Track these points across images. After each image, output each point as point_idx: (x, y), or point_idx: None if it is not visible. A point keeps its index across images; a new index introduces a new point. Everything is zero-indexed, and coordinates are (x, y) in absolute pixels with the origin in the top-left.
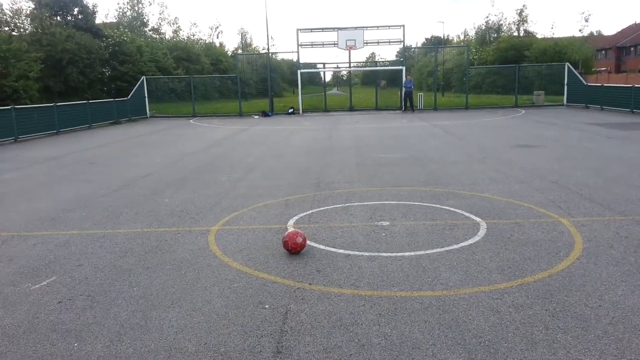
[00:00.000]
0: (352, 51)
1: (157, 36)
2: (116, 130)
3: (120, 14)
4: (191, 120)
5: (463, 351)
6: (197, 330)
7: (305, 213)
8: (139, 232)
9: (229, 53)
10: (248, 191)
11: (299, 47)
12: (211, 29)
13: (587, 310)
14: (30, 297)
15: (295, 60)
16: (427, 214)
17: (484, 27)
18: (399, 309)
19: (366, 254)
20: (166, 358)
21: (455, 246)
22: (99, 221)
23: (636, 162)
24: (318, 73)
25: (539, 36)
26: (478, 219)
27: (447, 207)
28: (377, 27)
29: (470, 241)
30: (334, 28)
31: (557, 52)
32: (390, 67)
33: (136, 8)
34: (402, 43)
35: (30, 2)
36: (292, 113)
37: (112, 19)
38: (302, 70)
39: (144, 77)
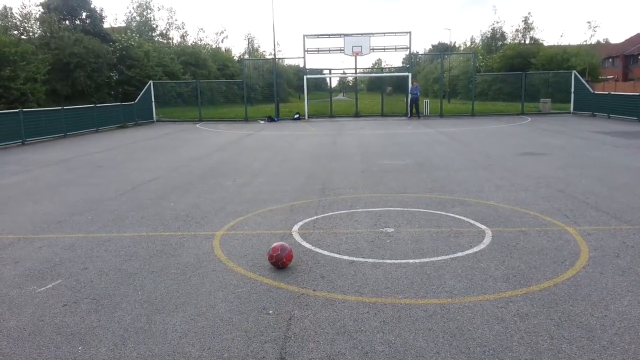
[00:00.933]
0: (358, 57)
1: (165, 41)
2: (123, 134)
3: (129, 18)
4: (197, 125)
5: None
6: (201, 335)
7: (310, 219)
8: (144, 236)
9: (236, 58)
10: (253, 196)
11: (305, 52)
12: (216, 34)
13: (593, 320)
14: (35, 300)
15: (301, 65)
16: (432, 221)
17: (489, 35)
18: (403, 317)
19: (370, 260)
20: None
21: (460, 254)
22: (104, 225)
23: None
24: (324, 79)
25: (545, 44)
26: (483, 227)
27: (452, 215)
28: (384, 33)
29: (476, 249)
30: (340, 34)
31: (564, 59)
32: (396, 74)
33: (145, 13)
34: (408, 50)
35: (40, 7)
36: (298, 118)
37: (120, 23)
38: (308, 76)
39: (151, 82)
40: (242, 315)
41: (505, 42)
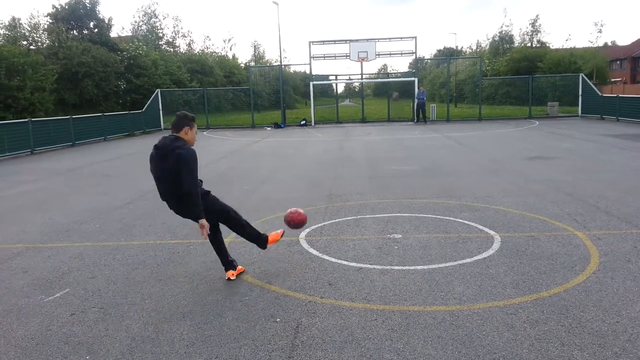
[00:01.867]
0: (364, 63)
1: (172, 49)
2: (131, 142)
3: (136, 27)
4: (204, 132)
5: None
6: (209, 343)
7: (317, 225)
8: (151, 244)
9: (242, 65)
10: (260, 203)
11: (311, 59)
12: (224, 41)
13: (604, 326)
14: (43, 309)
15: (307, 72)
16: (440, 227)
17: (497, 38)
18: (412, 324)
19: (378, 267)
20: None
21: (469, 260)
22: (112, 233)
23: None
24: (330, 85)
25: (552, 47)
26: (492, 232)
27: (460, 220)
28: (389, 39)
29: (484, 255)
30: (345, 40)
31: (572, 62)
32: (402, 79)
33: (151, 22)
34: (414, 54)
35: (48, 17)
36: (305, 125)
37: (127, 32)
38: (315, 82)
39: (158, 90)
40: (249, 324)
41: (512, 45)
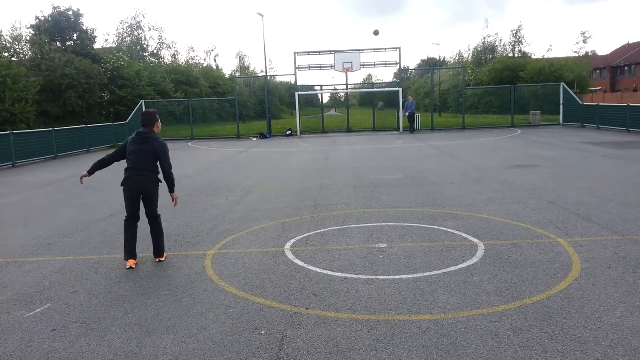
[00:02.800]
0: (349, 73)
1: (157, 60)
2: None
3: (120, 39)
4: (189, 143)
5: None
6: (192, 357)
7: (302, 236)
8: None
9: (227, 76)
10: (245, 214)
11: (297, 69)
12: (206, 53)
13: (587, 332)
14: (23, 325)
15: (293, 82)
16: (424, 236)
17: (480, 48)
18: (397, 334)
19: (363, 277)
20: None
21: (453, 268)
22: (95, 246)
23: (633, 181)
24: (316, 95)
25: (534, 57)
26: (476, 240)
27: (444, 229)
28: (374, 49)
29: (469, 263)
30: (330, 51)
31: (553, 72)
32: (387, 89)
33: (135, 34)
34: (398, 65)
35: (31, 29)
36: (290, 135)
37: (112, 44)
38: (300, 93)
39: (142, 101)
40: (234, 337)
41: (495, 55)
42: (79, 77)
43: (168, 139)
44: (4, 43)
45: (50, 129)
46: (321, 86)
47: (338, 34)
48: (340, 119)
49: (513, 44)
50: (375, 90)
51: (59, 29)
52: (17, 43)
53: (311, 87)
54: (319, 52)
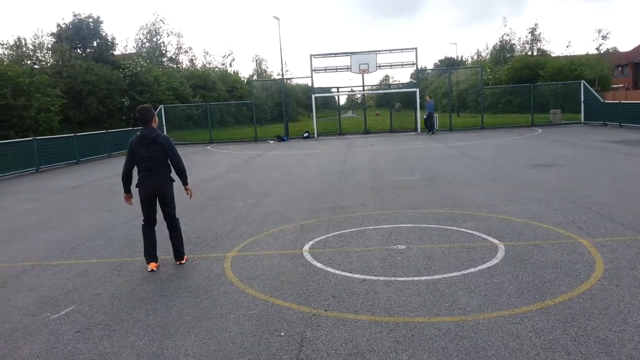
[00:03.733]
0: (365, 75)
1: (175, 65)
2: None
3: (139, 45)
4: (208, 147)
5: None
6: (213, 359)
7: (320, 238)
8: None
9: (244, 80)
10: (264, 216)
11: (313, 72)
12: (223, 57)
13: (611, 334)
14: (49, 327)
15: (309, 84)
16: (443, 237)
17: (498, 47)
18: (416, 336)
19: (382, 278)
20: None
21: (473, 269)
22: (117, 249)
23: None
24: (332, 97)
25: (553, 55)
26: (496, 241)
27: (464, 230)
28: (390, 50)
29: (489, 264)
30: (346, 52)
31: (572, 70)
32: (403, 90)
33: (154, 39)
34: (415, 65)
35: (52, 36)
36: (308, 137)
37: (131, 50)
38: (317, 95)
39: (161, 106)
40: (253, 338)
41: (513, 54)
42: (100, 83)
43: (187, 142)
44: (27, 51)
45: (72, 134)
46: (337, 88)
47: (353, 35)
48: (357, 120)
49: (530, 42)
50: (392, 91)
51: (80, 36)
52: (39, 51)
53: (328, 89)
54: (335, 54)
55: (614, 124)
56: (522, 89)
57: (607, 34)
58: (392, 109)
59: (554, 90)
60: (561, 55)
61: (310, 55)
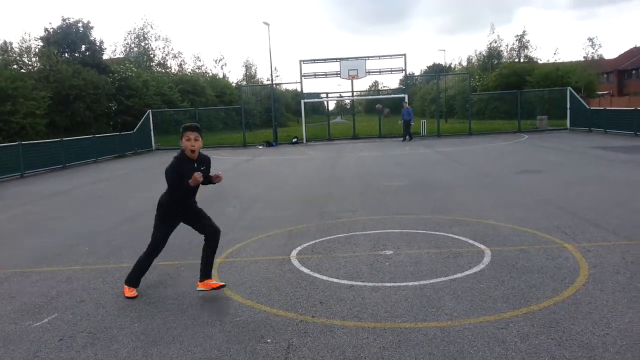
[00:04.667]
0: (354, 80)
1: (163, 70)
2: (121, 163)
3: (127, 50)
4: None
5: None
6: None
7: (308, 243)
8: None
9: (233, 85)
10: (252, 222)
11: (302, 77)
12: (215, 61)
13: (594, 338)
14: (31, 335)
15: (299, 90)
16: (431, 242)
17: (485, 54)
18: (403, 341)
19: (370, 284)
20: None
21: (460, 275)
22: (102, 256)
23: None
24: (321, 102)
25: (540, 62)
26: (483, 246)
27: (451, 235)
28: (379, 56)
29: (475, 269)
30: (336, 58)
31: (559, 76)
32: (392, 95)
33: (142, 44)
34: (403, 71)
35: (40, 40)
36: (296, 142)
37: (119, 54)
38: (306, 100)
39: (149, 111)
40: (240, 345)
41: (501, 61)
42: (87, 87)
43: (175, 147)
44: (14, 55)
45: (58, 139)
46: (327, 93)
47: (342, 42)
48: (346, 126)
49: (518, 49)
50: (381, 97)
51: (68, 41)
52: (26, 55)
53: (317, 95)
54: (324, 60)
55: (599, 130)
56: (509, 95)
57: (598, 44)
58: (380, 115)
59: (540, 96)
60: (548, 62)
61: (300, 61)
